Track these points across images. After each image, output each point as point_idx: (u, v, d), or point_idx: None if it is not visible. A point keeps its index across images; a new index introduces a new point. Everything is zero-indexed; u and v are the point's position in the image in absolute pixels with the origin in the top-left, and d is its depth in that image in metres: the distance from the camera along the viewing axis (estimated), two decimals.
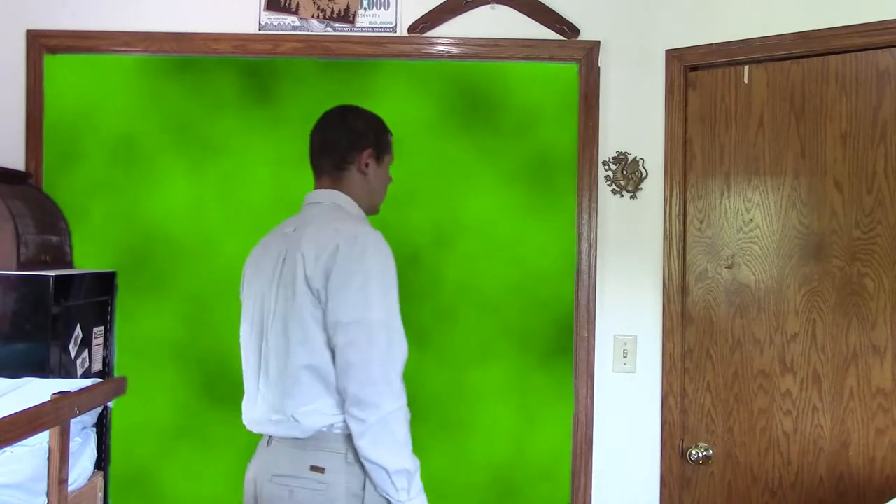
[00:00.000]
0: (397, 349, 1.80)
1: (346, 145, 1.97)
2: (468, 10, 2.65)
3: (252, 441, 1.98)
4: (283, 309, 1.85)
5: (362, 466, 1.78)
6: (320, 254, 1.80)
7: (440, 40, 2.65)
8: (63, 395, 1.80)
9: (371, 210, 2.04)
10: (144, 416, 2.76)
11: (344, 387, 1.77)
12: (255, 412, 1.91)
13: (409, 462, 1.78)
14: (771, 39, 2.33)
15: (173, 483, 2.79)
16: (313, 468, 1.79)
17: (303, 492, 1.79)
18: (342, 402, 1.79)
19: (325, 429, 1.80)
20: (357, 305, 1.77)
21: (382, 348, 1.77)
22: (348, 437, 1.80)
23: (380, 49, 2.66)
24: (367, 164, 1.99)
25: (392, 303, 1.81)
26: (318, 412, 1.80)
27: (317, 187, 2.01)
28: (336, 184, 1.98)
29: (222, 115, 2.78)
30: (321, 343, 1.81)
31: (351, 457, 1.80)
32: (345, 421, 1.79)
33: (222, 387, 2.74)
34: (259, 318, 1.92)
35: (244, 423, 1.96)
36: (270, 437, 1.89)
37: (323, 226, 1.86)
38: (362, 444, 1.75)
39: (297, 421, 1.81)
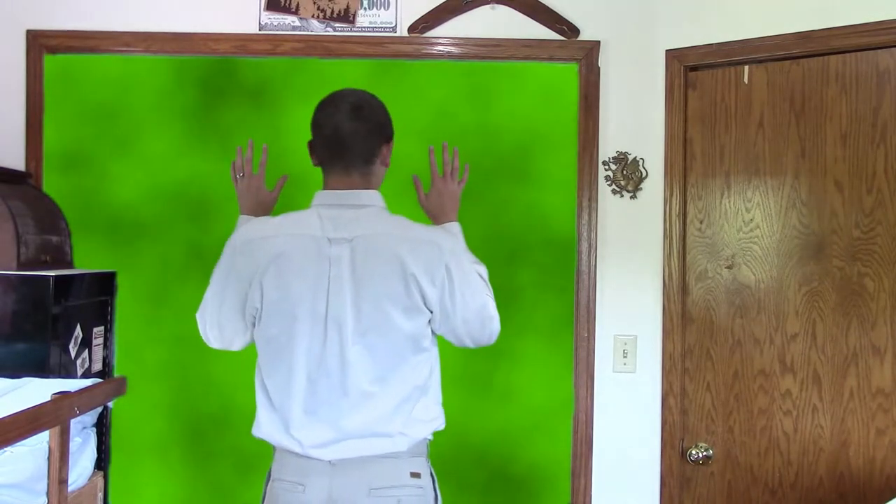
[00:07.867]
0: (489, 287, 1.93)
1: (377, 137, 1.85)
2: (468, 10, 2.64)
3: None
4: (377, 328, 1.76)
5: (431, 470, 1.87)
6: (434, 276, 1.79)
7: (440, 40, 2.65)
8: (63, 395, 1.81)
9: None
10: None
11: (467, 340, 1.90)
12: (318, 436, 1.77)
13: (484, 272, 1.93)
14: (771, 39, 2.33)
15: None
16: (413, 474, 1.80)
17: (410, 499, 1.79)
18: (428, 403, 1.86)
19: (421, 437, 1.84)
20: (477, 303, 1.86)
21: (491, 305, 1.90)
22: (427, 441, 1.88)
23: (380, 49, 2.65)
24: (387, 157, 1.89)
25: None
26: (420, 421, 1.82)
27: (339, 185, 1.84)
28: (366, 181, 1.85)
29: None
30: (424, 359, 1.84)
31: (428, 458, 1.88)
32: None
33: None
34: (320, 337, 1.77)
35: (294, 447, 1.78)
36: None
37: (413, 240, 1.80)
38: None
39: (404, 435, 1.79)
